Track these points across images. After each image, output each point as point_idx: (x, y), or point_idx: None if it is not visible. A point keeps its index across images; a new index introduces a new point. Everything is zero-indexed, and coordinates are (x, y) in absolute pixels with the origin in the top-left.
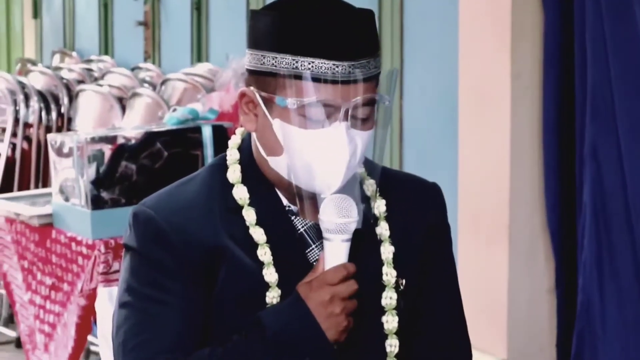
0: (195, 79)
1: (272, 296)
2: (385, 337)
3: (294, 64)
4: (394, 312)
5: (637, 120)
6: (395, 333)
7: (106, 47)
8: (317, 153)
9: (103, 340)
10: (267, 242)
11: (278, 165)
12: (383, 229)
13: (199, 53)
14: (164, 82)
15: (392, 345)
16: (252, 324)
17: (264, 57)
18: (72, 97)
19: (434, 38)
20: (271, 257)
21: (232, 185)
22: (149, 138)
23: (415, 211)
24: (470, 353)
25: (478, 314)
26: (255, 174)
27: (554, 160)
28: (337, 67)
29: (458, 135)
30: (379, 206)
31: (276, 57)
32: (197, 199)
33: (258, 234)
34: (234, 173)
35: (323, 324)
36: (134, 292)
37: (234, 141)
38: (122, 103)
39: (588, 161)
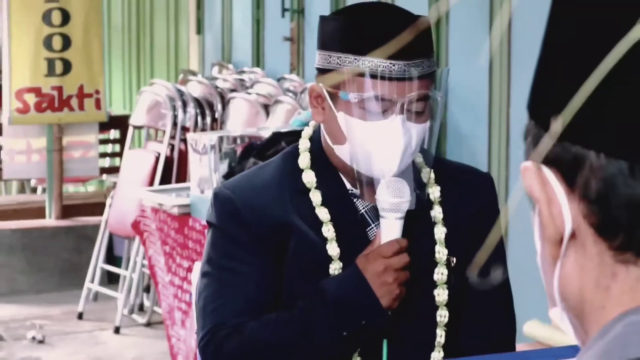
0: None
1: (335, 268)
2: (437, 308)
3: (355, 63)
4: (445, 286)
5: None
6: (446, 305)
7: (258, 59)
8: (376, 142)
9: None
10: (330, 221)
11: (342, 152)
12: (437, 212)
13: None
14: (303, 91)
15: (442, 315)
16: (315, 292)
17: (330, 57)
18: (225, 104)
19: (536, 50)
20: (334, 234)
21: (302, 170)
22: (275, 138)
23: (467, 197)
24: (514, 325)
25: None
26: (322, 161)
27: None
28: (394, 65)
29: None
30: (434, 192)
31: (340, 57)
32: (271, 181)
33: (323, 213)
34: (303, 159)
35: (377, 291)
36: (213, 263)
37: (307, 132)
38: (267, 109)
39: None
